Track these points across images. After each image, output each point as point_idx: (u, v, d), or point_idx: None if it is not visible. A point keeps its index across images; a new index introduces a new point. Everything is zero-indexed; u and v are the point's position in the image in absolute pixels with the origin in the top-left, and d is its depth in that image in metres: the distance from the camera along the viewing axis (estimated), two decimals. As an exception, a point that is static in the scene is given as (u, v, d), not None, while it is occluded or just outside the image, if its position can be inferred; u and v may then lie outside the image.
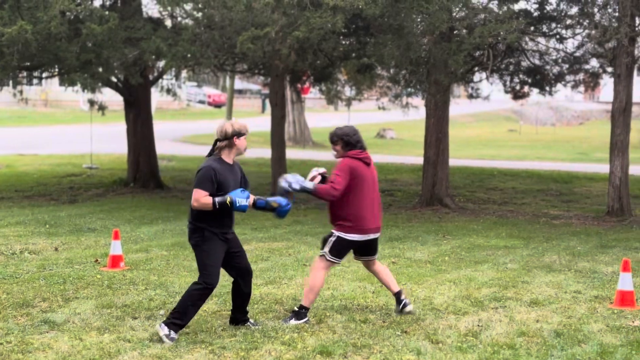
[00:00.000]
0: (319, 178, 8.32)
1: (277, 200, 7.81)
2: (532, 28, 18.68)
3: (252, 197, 7.67)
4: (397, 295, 8.62)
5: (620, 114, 16.94)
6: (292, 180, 8.06)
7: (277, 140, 20.76)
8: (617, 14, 16.95)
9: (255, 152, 31.93)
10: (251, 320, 8.09)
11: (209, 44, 16.97)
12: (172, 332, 7.43)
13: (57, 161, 28.14)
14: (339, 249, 8.25)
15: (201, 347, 7.30)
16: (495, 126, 56.44)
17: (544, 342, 7.63)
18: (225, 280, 10.03)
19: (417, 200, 19.09)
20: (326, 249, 8.24)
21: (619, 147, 17.00)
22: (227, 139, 7.59)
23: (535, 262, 11.80)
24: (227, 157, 7.66)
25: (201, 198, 7.44)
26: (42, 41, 16.37)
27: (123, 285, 9.81)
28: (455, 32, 17.63)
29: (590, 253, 12.68)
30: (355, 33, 18.93)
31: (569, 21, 18.63)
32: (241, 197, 7.52)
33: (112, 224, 14.85)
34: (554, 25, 19.23)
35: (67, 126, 44.48)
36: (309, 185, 8.08)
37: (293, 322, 8.06)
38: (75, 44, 16.78)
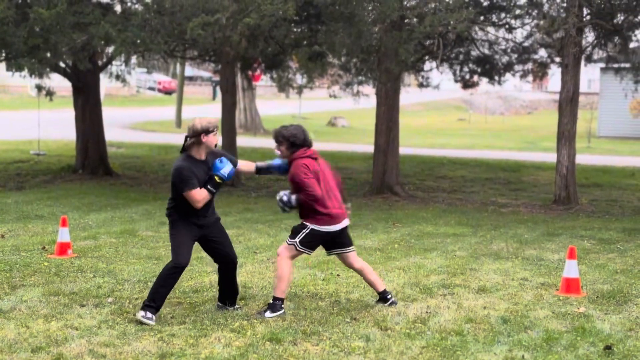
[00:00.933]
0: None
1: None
2: (481, 18, 18.84)
3: None
4: (383, 294, 8.49)
5: (567, 103, 17.17)
6: (282, 203, 8.10)
7: (228, 128, 20.67)
8: (565, 5, 17.16)
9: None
10: (237, 306, 8.23)
11: (159, 29, 16.82)
12: (147, 312, 7.58)
13: (4, 147, 27.72)
14: (311, 241, 8.12)
15: (150, 334, 7.26)
16: (445, 115, 56.83)
17: (491, 328, 7.72)
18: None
19: (368, 189, 19.17)
20: (297, 240, 8.07)
21: (566, 136, 17.23)
22: (195, 136, 7.64)
23: (483, 250, 11.93)
24: (197, 153, 7.71)
25: (198, 195, 7.57)
26: (-12, 25, 16.10)
27: (71, 272, 9.72)
28: (406, 21, 17.70)
29: (537, 241, 12.85)
30: (306, 21, 18.91)
31: (518, 11, 18.80)
32: (223, 167, 7.66)
33: (60, 211, 14.69)
34: (503, 15, 19.41)
35: (15, 112, 43.80)
36: (293, 199, 8.05)
37: (268, 314, 7.93)
38: (23, 29, 16.52)
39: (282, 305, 8.06)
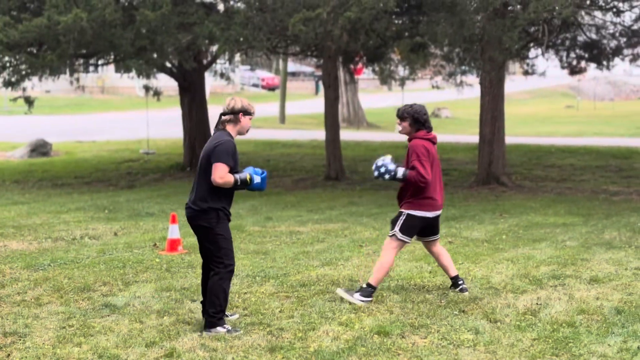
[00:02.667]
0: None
1: (249, 172, 7.37)
2: (588, 2, 18.37)
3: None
4: (455, 279, 8.64)
5: (680, 87, 16.59)
6: (383, 169, 8.13)
7: (331, 122, 20.74)
8: (675, -15, 16.59)
9: (310, 134, 31.96)
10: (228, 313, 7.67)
11: (261, 27, 16.99)
12: (225, 326, 7.23)
13: (114, 147, 28.51)
14: (410, 227, 8.23)
15: (259, 328, 7.34)
16: (552, 102, 55.71)
17: (605, 319, 7.53)
18: (283, 262, 10.08)
19: (474, 179, 18.95)
20: (396, 229, 8.22)
21: (679, 120, 16.66)
22: (233, 114, 7.30)
23: (594, 239, 11.65)
24: (232, 132, 7.37)
25: (224, 173, 7.15)
26: (97, 28, 16.56)
27: (181, 268, 9.91)
28: (509, 8, 17.41)
29: (651, 229, 12.48)
30: (407, 12, 18.80)
31: (626, -7, 18.28)
32: (257, 174, 7.34)
33: (169, 208, 15.00)
34: (610, -2, 18.89)
35: (124, 112, 44.99)
36: (400, 173, 8.10)
37: (357, 296, 8.08)
38: (130, 31, 16.94)
39: (372, 295, 8.17)
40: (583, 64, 22.45)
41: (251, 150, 27.23)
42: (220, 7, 19.77)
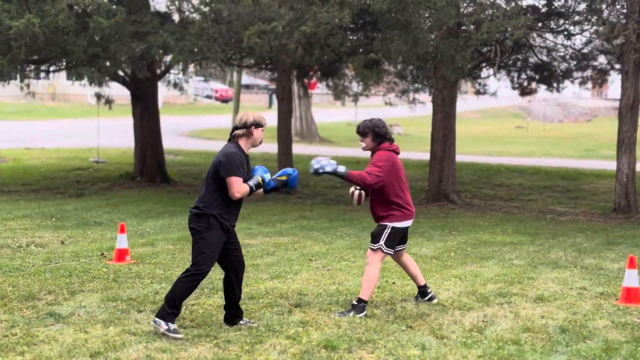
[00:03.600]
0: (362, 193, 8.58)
1: (283, 172, 7.74)
2: (539, 24, 18.65)
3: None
4: (423, 288, 8.89)
5: (627, 110, 16.90)
6: (324, 162, 8.18)
7: (284, 135, 20.76)
8: (625, 11, 16.91)
9: (262, 147, 31.89)
10: (245, 319, 7.90)
11: (216, 38, 16.97)
12: (169, 324, 7.35)
13: (64, 155, 28.20)
14: (393, 239, 8.44)
15: (206, 340, 7.30)
16: (502, 122, 56.36)
17: (549, 338, 7.62)
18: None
19: (424, 196, 19.08)
20: (382, 242, 8.37)
21: (626, 143, 16.96)
22: (245, 128, 7.55)
23: (541, 259, 11.79)
24: (244, 146, 7.60)
25: (240, 186, 7.37)
26: (49, 35, 16.39)
27: (129, 278, 9.83)
28: (462, 28, 17.61)
29: (597, 250, 12.66)
30: (362, 28, 18.91)
31: (577, 17, 18.58)
32: (267, 174, 7.61)
33: (118, 218, 14.87)
34: (561, 21, 19.19)
35: (74, 120, 44.52)
36: (342, 168, 8.19)
37: (352, 314, 8.19)
38: (83, 38, 16.80)
39: (365, 308, 8.33)
40: (534, 85, 22.77)
41: (203, 162, 27.11)
42: (175, 17, 19.70)
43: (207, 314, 8.17)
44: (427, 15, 16.64)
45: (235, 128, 7.60)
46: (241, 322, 7.83)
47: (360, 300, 8.33)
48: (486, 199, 19.80)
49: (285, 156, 20.60)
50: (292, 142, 21.34)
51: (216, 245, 7.49)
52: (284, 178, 7.72)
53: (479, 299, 9.08)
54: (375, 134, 8.40)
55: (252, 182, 7.47)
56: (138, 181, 21.62)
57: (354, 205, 8.60)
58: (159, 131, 22.33)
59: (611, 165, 23.28)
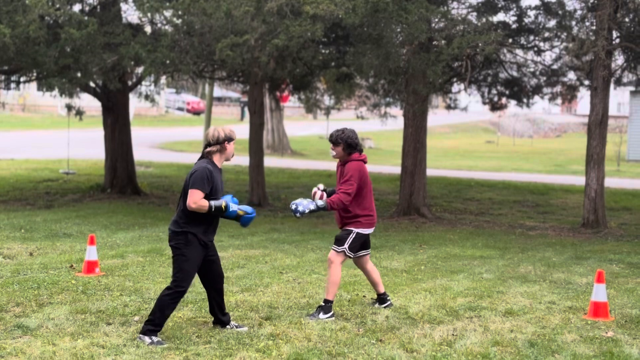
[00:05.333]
0: (323, 194, 8.94)
1: (244, 208, 7.92)
2: (510, 40, 18.81)
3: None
4: (382, 295, 9.26)
5: (596, 126, 17.07)
6: (304, 203, 8.56)
7: (256, 148, 20.74)
8: (594, 27, 17.10)
9: (234, 159, 31.85)
10: (234, 323, 8.23)
11: (188, 50, 16.95)
12: (152, 337, 7.55)
13: (33, 166, 27.98)
14: (356, 244, 8.84)
15: (175, 353, 7.27)
16: (473, 137, 56.68)
17: (518, 352, 7.66)
18: (201, 288, 10.01)
19: (395, 210, 19.13)
20: (346, 246, 8.78)
21: (595, 159, 17.12)
22: (218, 144, 7.76)
23: (510, 273, 11.86)
24: (218, 161, 7.83)
25: (199, 199, 7.56)
26: (20, 45, 16.29)
27: (98, 291, 9.77)
28: (434, 43, 17.72)
29: (565, 264, 12.75)
30: (334, 42, 18.97)
31: (546, 34, 18.75)
32: (234, 203, 7.77)
33: (88, 230, 14.78)
34: (532, 37, 19.36)
35: (45, 131, 44.23)
36: (320, 203, 8.63)
37: (322, 316, 8.58)
38: (54, 49, 16.71)
39: (332, 309, 8.72)
40: (504, 100, 22.90)
41: (174, 174, 27.03)
42: (148, 28, 19.64)
43: (176, 327, 8.14)
44: (398, 30, 16.72)
45: (207, 145, 7.78)
46: (228, 325, 8.16)
47: (326, 301, 8.73)
48: (457, 213, 19.89)
49: (256, 169, 20.58)
50: (263, 154, 21.32)
51: (195, 261, 7.72)
52: (241, 213, 7.84)
53: (449, 313, 9.12)
54: (347, 144, 8.78)
55: (214, 203, 7.63)
56: (108, 193, 21.50)
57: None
58: (130, 143, 22.23)
59: (580, 181, 23.50)
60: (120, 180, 21.79)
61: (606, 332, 8.46)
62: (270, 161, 29.43)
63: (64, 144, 28.58)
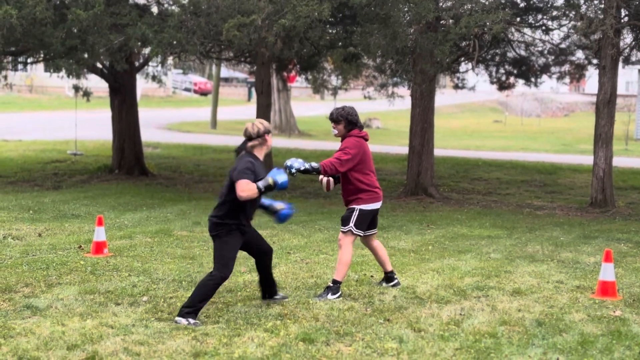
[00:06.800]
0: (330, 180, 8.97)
1: (281, 204, 8.17)
2: (518, 19, 18.71)
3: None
4: (390, 274, 9.26)
5: (604, 105, 17.00)
6: (299, 161, 8.54)
7: (263, 129, 20.70)
8: (602, 6, 16.99)
9: (241, 139, 31.85)
10: (280, 294, 8.57)
11: (195, 31, 16.91)
12: (189, 319, 7.61)
13: (41, 147, 28.03)
14: (362, 221, 8.81)
15: (184, 333, 7.30)
16: (480, 117, 56.56)
17: (526, 331, 7.67)
18: (209, 268, 10.04)
19: (402, 190, 19.12)
20: (351, 224, 8.76)
21: (603, 138, 17.07)
22: (259, 137, 7.92)
23: (518, 252, 11.86)
24: (260, 154, 7.99)
25: (246, 186, 7.63)
26: (27, 26, 16.27)
27: (106, 271, 9.80)
28: (441, 22, 17.64)
29: (573, 243, 12.75)
30: (341, 22, 18.90)
31: (555, 12, 18.65)
32: (280, 174, 7.87)
33: (96, 210, 14.82)
34: (540, 16, 19.26)
35: (52, 112, 44.28)
36: (314, 164, 8.61)
37: (330, 296, 8.59)
38: (61, 30, 16.69)
39: (340, 289, 8.74)
40: (512, 79, 22.84)
41: (181, 155, 27.05)
42: (154, 9, 19.61)
43: (185, 307, 8.15)
44: (406, 9, 16.65)
45: (248, 139, 7.94)
46: (276, 296, 8.47)
47: (334, 282, 8.74)
48: (464, 192, 19.88)
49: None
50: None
51: (235, 247, 7.90)
52: (278, 207, 8.22)
53: (457, 293, 9.13)
54: (348, 121, 8.84)
55: (261, 183, 7.74)
56: (116, 174, 21.54)
57: (324, 192, 8.98)
58: (137, 124, 22.25)
59: (588, 160, 23.44)
60: (127, 161, 21.82)
61: (614, 311, 8.46)
62: (278, 142, 29.44)
63: (71, 125, 28.62)
